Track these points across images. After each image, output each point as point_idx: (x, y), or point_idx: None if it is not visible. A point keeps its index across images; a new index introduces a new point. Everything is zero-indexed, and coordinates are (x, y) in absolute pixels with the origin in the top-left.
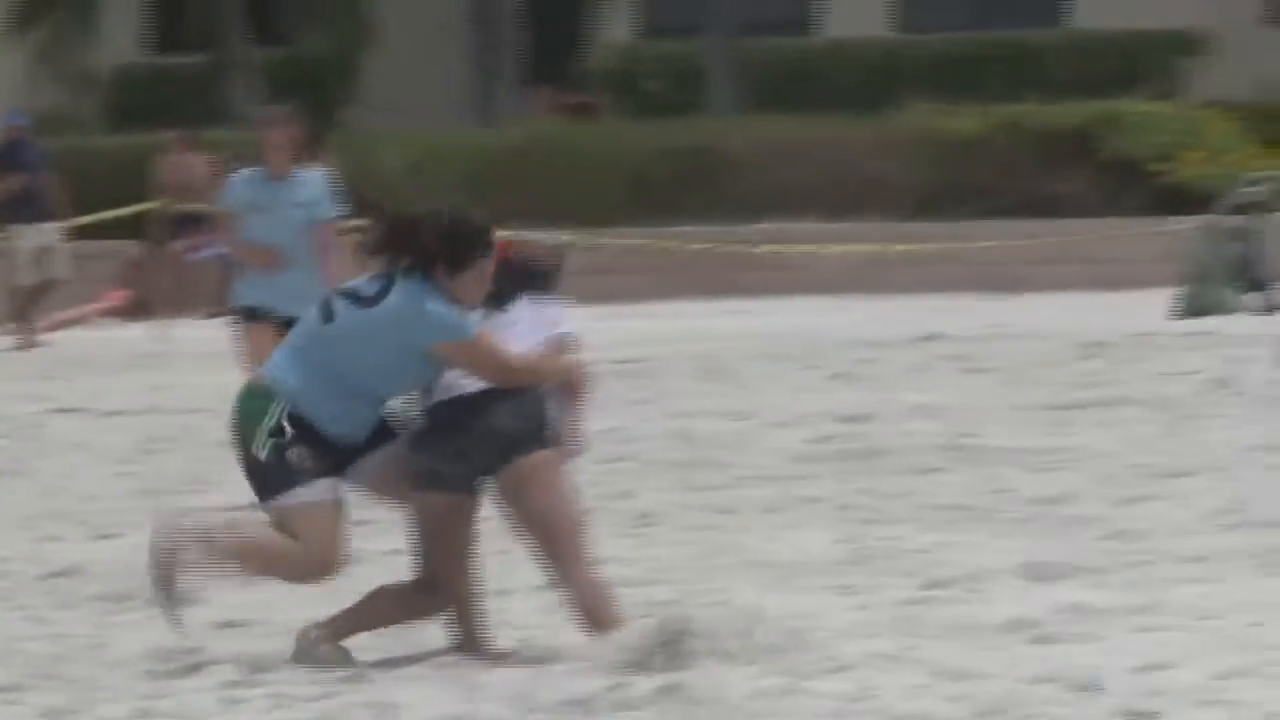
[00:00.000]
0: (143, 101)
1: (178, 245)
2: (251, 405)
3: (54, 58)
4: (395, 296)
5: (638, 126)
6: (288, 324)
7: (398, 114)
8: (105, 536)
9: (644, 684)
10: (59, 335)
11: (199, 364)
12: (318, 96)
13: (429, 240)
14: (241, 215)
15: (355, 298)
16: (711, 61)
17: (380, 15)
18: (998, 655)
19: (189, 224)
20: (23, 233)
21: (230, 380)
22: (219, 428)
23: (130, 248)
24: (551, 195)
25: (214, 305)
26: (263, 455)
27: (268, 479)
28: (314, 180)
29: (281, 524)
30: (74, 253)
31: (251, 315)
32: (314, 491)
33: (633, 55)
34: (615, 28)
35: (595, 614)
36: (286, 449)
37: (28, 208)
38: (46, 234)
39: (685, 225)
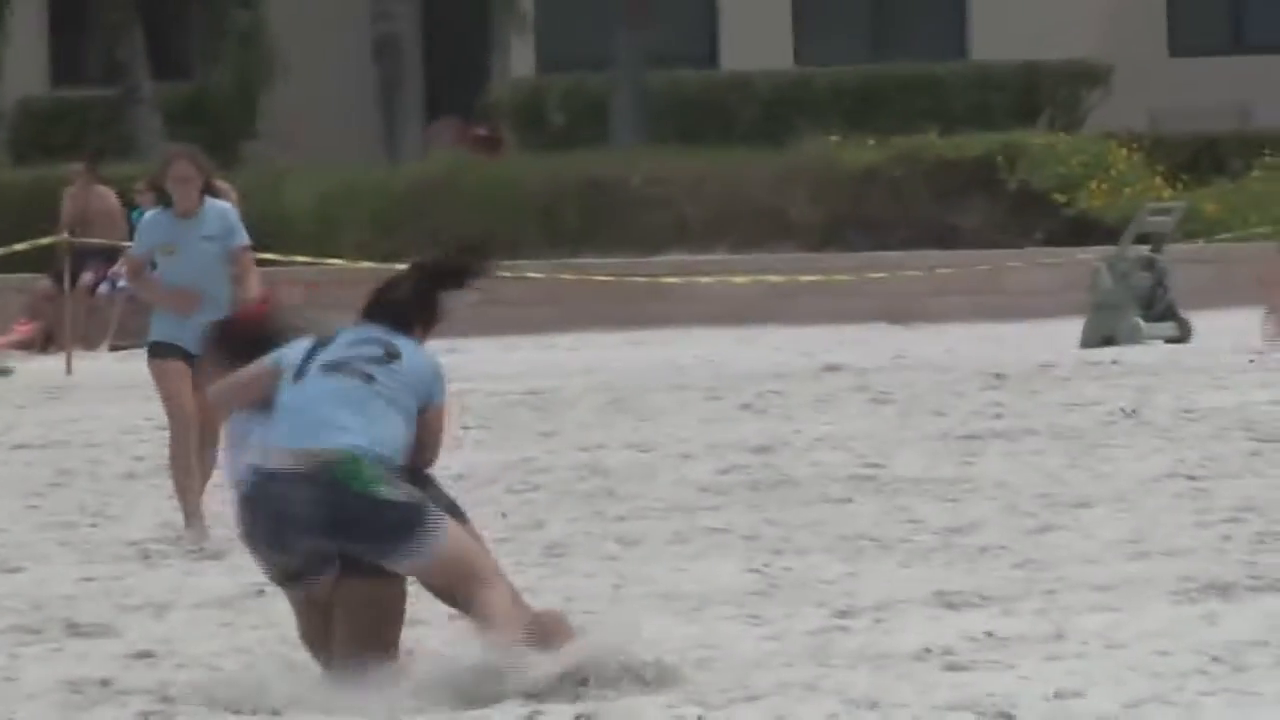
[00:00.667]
0: (46, 134)
1: (85, 278)
2: (348, 469)
3: None
4: (411, 354)
5: (542, 159)
6: (191, 358)
7: (301, 148)
8: (13, 570)
9: (561, 712)
10: None
11: (105, 397)
12: (220, 131)
13: (419, 299)
14: (152, 256)
15: (371, 359)
16: (615, 94)
17: (283, 49)
18: (910, 684)
19: (93, 257)
20: None
21: (136, 412)
22: (125, 461)
23: (37, 281)
24: (457, 228)
25: (119, 338)
26: (400, 497)
27: (421, 512)
28: (221, 212)
29: (454, 565)
30: None
31: (164, 351)
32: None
33: (536, 88)
34: (518, 61)
35: (537, 635)
36: (407, 483)
37: None
38: None
39: (591, 257)
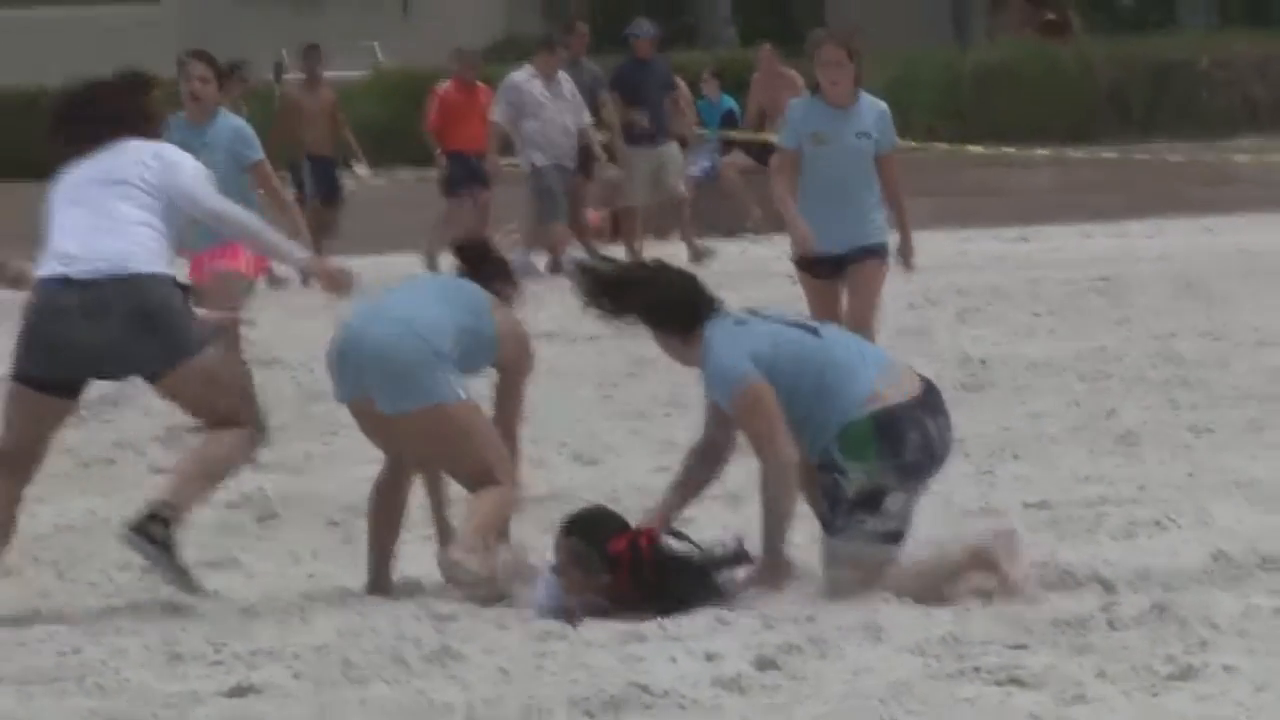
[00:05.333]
0: (609, 22)
1: None
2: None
3: None
4: None
5: (1110, 42)
6: (840, 262)
7: (870, 35)
8: (589, 462)
9: (1135, 603)
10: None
11: None
12: (789, 19)
13: None
14: (801, 148)
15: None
16: None
17: None
18: None
19: None
20: (638, 156)
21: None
22: None
23: (607, 170)
24: (1024, 113)
25: (693, 228)
26: None
27: None
28: (878, 111)
29: None
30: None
31: (807, 265)
32: None
33: None
34: None
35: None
36: None
37: (646, 132)
38: (665, 154)
39: (1159, 141)
